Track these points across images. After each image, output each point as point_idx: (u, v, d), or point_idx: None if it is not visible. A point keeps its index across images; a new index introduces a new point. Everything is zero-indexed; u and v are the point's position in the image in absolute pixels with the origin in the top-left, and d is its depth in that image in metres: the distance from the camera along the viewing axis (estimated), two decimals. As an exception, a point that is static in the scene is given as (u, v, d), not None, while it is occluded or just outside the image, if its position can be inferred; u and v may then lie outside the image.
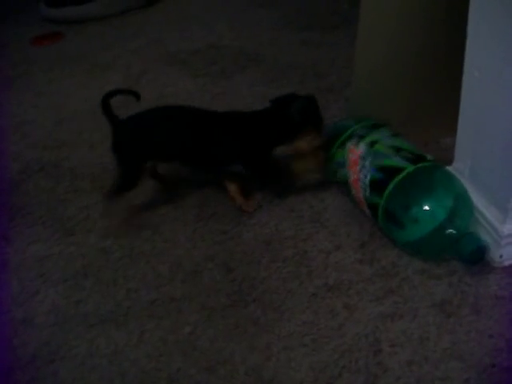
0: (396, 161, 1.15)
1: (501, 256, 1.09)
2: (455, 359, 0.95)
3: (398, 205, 1.13)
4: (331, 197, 1.32)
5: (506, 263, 1.09)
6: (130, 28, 2.37)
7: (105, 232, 1.29)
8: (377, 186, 1.15)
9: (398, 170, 1.13)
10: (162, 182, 1.40)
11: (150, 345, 1.05)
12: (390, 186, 1.12)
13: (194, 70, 1.96)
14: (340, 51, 1.93)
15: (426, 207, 1.10)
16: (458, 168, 1.19)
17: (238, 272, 1.17)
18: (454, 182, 1.14)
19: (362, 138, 1.22)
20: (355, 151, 1.22)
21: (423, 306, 1.05)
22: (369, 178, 1.17)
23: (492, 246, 1.09)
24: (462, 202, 1.12)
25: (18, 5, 2.71)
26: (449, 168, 1.22)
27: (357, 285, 1.10)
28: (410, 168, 1.12)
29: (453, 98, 1.14)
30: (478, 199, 1.13)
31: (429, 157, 1.16)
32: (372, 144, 1.20)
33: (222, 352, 1.02)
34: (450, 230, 1.08)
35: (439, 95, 1.34)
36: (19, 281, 1.21)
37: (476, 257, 1.07)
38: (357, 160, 1.20)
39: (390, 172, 1.14)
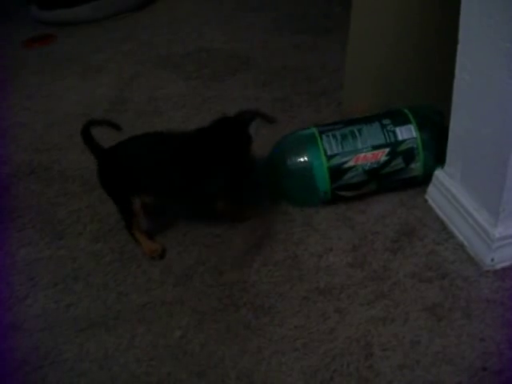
0: None
1: (492, 259, 1.09)
2: (446, 363, 0.95)
3: None
4: (323, 200, 1.32)
5: (498, 267, 1.09)
6: (122, 31, 2.36)
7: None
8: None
9: None
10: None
11: (140, 349, 1.04)
12: None
13: (186, 73, 1.95)
14: (332, 55, 1.93)
15: None
16: (450, 171, 1.20)
17: (229, 276, 1.16)
18: None
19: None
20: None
21: (414, 309, 1.05)
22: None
23: (483, 250, 1.10)
24: None
25: (10, 7, 2.70)
26: (441, 171, 1.22)
27: (348, 288, 1.10)
28: None
29: (444, 101, 1.14)
30: (469, 202, 1.13)
31: None
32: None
33: (213, 356, 1.01)
34: None
35: (430, 98, 1.34)
36: (8, 285, 1.20)
37: None
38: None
39: None
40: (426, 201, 1.27)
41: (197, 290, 1.14)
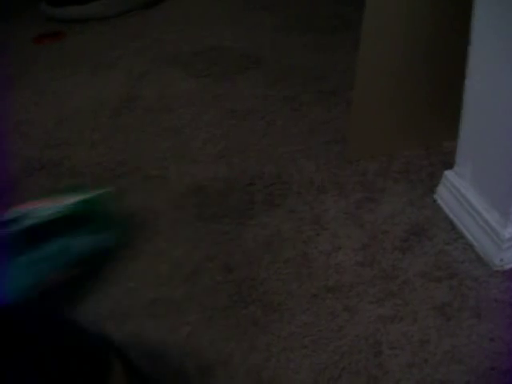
0: None
1: (501, 260, 1.09)
2: (455, 362, 0.95)
3: None
4: (332, 198, 1.32)
5: (507, 267, 1.10)
6: (132, 28, 2.36)
7: None
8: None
9: None
10: None
11: (148, 345, 1.04)
12: None
13: (196, 71, 1.95)
14: (341, 54, 1.93)
15: None
16: (460, 172, 1.20)
17: (238, 273, 1.16)
18: None
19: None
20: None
21: (424, 308, 1.05)
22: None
23: (493, 250, 1.10)
24: None
25: (20, 3, 2.71)
26: (450, 171, 1.22)
27: (357, 287, 1.10)
28: None
29: (456, 101, 1.14)
30: (479, 202, 1.13)
31: None
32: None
33: (222, 353, 1.02)
34: None
35: (442, 99, 1.34)
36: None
37: None
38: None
39: None
40: (435, 200, 1.27)
41: (206, 286, 1.14)
